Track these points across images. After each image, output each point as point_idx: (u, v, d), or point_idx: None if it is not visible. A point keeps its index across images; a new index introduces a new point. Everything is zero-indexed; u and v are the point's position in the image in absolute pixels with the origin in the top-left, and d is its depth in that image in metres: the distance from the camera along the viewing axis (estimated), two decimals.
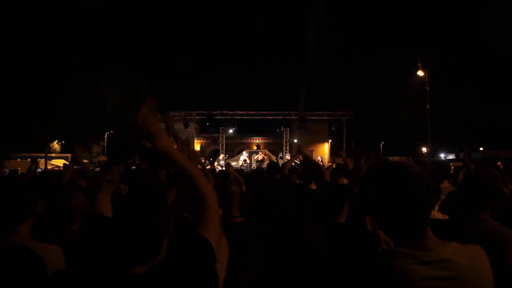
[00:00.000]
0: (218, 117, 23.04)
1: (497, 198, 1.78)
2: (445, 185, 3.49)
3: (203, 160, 15.88)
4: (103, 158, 30.66)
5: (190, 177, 1.25)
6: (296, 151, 5.83)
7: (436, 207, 3.06)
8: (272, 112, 24.08)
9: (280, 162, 16.65)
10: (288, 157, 17.74)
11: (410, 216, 1.11)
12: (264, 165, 8.81)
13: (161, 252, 1.15)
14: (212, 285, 1.20)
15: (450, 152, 35.17)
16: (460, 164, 4.17)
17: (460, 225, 1.79)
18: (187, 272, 1.12)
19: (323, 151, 31.93)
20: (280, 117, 24.68)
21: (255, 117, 24.34)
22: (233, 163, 15.72)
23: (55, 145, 35.89)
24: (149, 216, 1.12)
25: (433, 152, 27.73)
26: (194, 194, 1.25)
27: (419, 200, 1.10)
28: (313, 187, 3.81)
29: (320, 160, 11.95)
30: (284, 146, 27.48)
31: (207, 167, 13.67)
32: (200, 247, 1.18)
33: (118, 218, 1.16)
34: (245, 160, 15.23)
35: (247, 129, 30.94)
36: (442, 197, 3.08)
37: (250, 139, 33.06)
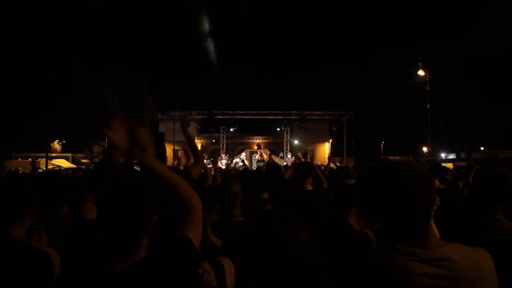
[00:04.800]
0: (219, 116, 23.02)
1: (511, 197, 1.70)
2: (436, 184, 3.56)
3: (205, 156, 15.86)
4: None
5: (174, 187, 1.30)
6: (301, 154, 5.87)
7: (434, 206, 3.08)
8: (273, 112, 24.07)
9: (281, 162, 16.65)
10: (289, 156, 17.70)
11: (411, 212, 1.11)
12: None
13: (141, 249, 1.17)
14: (194, 283, 1.21)
15: (450, 152, 35.18)
16: (462, 163, 4.18)
17: (475, 225, 1.73)
18: (167, 270, 1.14)
19: (323, 151, 31.94)
20: (281, 117, 24.68)
21: (256, 117, 24.32)
22: (233, 164, 15.69)
23: (56, 144, 35.91)
24: (127, 210, 1.15)
25: (433, 152, 27.70)
26: (179, 201, 1.30)
27: (419, 197, 1.10)
28: (309, 187, 3.77)
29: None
30: (284, 146, 27.49)
31: (208, 166, 13.58)
32: (182, 246, 1.21)
33: (98, 213, 1.21)
34: (242, 161, 15.11)
35: (247, 129, 30.98)
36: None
37: (250, 139, 33.07)
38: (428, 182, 1.12)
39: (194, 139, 2.97)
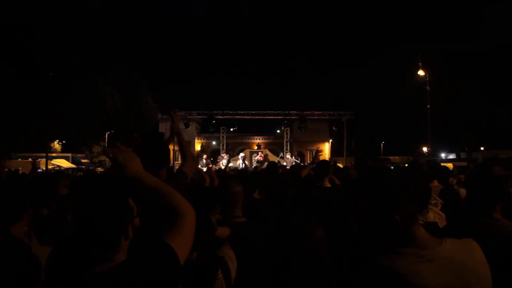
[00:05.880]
0: (219, 116, 22.98)
1: (509, 196, 1.71)
2: (434, 184, 3.72)
3: (205, 157, 15.83)
4: (103, 158, 30.68)
5: (165, 196, 1.27)
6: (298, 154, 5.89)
7: (439, 206, 3.09)
8: (273, 112, 24.03)
9: (281, 162, 16.64)
10: (288, 156, 17.70)
11: (395, 213, 1.15)
12: (265, 165, 8.80)
13: (119, 252, 1.17)
14: None
15: (450, 152, 35.19)
16: (462, 163, 4.20)
17: (475, 225, 1.72)
18: (143, 276, 1.12)
19: (323, 151, 31.95)
20: (281, 117, 24.65)
21: (256, 117, 24.29)
22: (231, 163, 15.68)
23: (56, 144, 35.91)
24: (104, 214, 1.15)
25: (433, 152, 27.68)
26: (170, 210, 1.26)
27: (399, 198, 1.16)
28: (328, 185, 3.76)
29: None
30: (284, 146, 27.48)
31: (209, 166, 13.60)
32: (162, 255, 1.18)
33: (76, 216, 1.21)
34: (244, 162, 15.05)
35: (247, 129, 30.95)
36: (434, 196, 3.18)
37: (250, 139, 33.05)
38: (407, 184, 1.19)
39: (184, 139, 3.02)
